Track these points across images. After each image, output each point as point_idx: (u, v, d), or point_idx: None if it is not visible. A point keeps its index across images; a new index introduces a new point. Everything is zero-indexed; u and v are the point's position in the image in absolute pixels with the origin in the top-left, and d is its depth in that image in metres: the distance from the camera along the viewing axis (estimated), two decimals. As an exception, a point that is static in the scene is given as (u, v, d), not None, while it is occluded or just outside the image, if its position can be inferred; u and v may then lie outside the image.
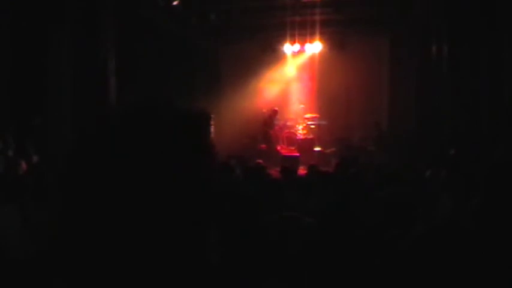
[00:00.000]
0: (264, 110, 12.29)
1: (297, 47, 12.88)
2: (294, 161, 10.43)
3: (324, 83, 12.88)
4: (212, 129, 12.72)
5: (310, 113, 13.15)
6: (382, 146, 11.04)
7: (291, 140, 12.79)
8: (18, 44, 7.49)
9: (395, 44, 11.80)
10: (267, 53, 12.97)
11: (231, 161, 6.66)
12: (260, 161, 6.83)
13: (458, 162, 6.20)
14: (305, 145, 12.54)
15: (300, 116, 13.04)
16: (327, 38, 12.50)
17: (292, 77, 13.51)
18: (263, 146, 12.01)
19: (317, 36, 12.51)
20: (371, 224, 3.57)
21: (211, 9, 11.38)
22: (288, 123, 12.73)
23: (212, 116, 12.90)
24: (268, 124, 12.13)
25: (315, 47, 12.79)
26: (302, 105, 13.18)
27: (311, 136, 12.87)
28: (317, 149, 12.39)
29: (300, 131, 12.93)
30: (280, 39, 12.80)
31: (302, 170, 7.75)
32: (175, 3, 9.79)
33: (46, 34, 7.75)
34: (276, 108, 12.34)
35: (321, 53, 12.89)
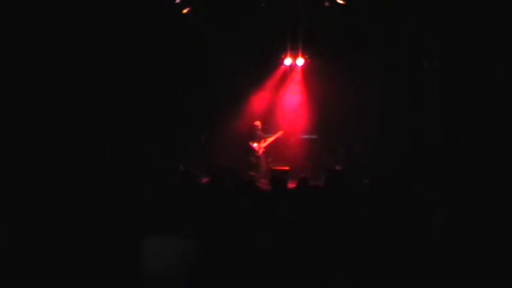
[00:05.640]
0: (256, 123, 12.24)
1: (288, 60, 12.92)
2: (283, 175, 10.41)
3: (316, 96, 12.90)
4: (203, 140, 12.73)
5: (301, 126, 13.15)
6: (373, 159, 11.06)
7: (280, 153, 12.79)
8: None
9: (387, 57, 11.86)
10: (259, 66, 12.97)
11: (222, 172, 6.63)
12: (253, 173, 6.79)
13: (448, 175, 6.25)
14: (295, 159, 12.55)
15: (291, 130, 13.01)
16: (319, 51, 12.54)
17: (283, 90, 13.50)
18: (251, 158, 11.99)
19: (309, 50, 12.60)
20: (361, 236, 3.58)
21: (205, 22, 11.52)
22: (277, 137, 12.63)
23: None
24: (253, 136, 12.12)
25: (307, 60, 12.84)
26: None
27: (301, 150, 12.88)
28: (307, 162, 12.39)
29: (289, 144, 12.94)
30: (273, 53, 12.85)
31: (292, 184, 7.73)
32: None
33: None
34: (258, 122, 12.27)
35: (312, 67, 12.92)
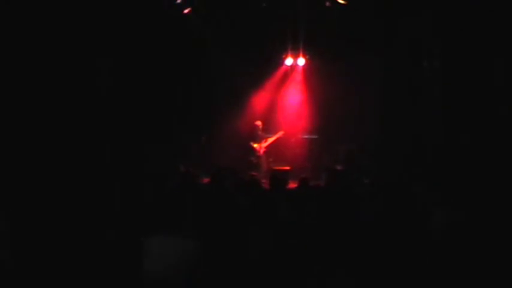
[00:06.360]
0: (257, 123, 12.27)
1: (290, 60, 12.93)
2: (284, 175, 10.39)
3: (316, 96, 12.90)
4: (203, 140, 12.72)
5: (301, 126, 13.14)
6: (373, 159, 11.06)
7: (281, 153, 12.79)
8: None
9: (387, 57, 11.86)
10: (259, 66, 12.96)
11: (222, 172, 6.63)
12: (254, 173, 6.78)
13: (448, 175, 6.25)
14: (295, 159, 12.54)
15: (292, 130, 13.01)
16: (319, 52, 12.55)
17: (283, 90, 13.50)
18: (252, 158, 12.01)
19: (309, 50, 12.61)
20: (361, 236, 3.59)
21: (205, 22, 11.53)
22: (278, 137, 12.62)
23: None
24: (254, 136, 12.15)
25: (307, 60, 12.85)
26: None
27: (301, 150, 12.87)
28: (307, 162, 12.39)
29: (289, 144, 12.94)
30: (273, 53, 12.84)
31: (292, 184, 7.73)
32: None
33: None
34: (259, 122, 12.30)
35: (313, 67, 12.92)
